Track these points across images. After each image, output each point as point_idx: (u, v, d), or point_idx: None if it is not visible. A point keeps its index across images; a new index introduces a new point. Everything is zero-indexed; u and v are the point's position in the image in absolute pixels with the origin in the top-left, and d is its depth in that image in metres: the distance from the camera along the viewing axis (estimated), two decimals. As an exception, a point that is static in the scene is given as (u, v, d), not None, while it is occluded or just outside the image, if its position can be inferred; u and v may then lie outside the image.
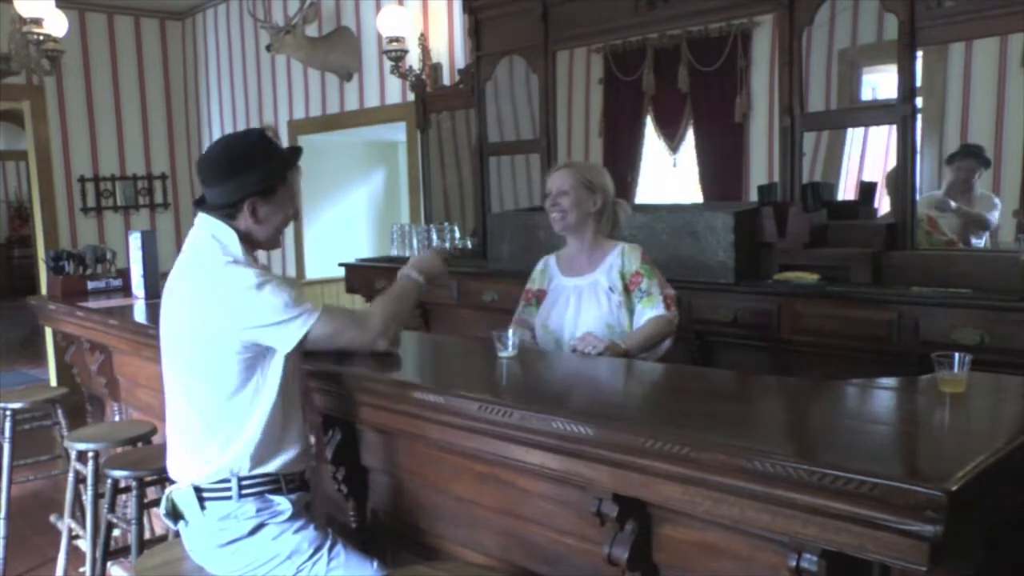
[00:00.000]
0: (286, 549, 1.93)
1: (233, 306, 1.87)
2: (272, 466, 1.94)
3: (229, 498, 1.91)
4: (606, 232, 2.68)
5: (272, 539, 1.93)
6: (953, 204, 3.16)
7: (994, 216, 3.11)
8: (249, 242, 2.00)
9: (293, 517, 1.95)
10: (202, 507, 1.92)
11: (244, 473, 1.91)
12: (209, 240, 1.97)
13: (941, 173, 3.22)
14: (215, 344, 1.89)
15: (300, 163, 2.12)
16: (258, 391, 1.92)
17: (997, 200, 3.11)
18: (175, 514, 1.98)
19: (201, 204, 2.02)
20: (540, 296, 2.70)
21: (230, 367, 1.90)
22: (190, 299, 1.95)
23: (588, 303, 2.57)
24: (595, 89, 4.30)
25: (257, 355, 1.91)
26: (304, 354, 2.03)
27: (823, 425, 1.66)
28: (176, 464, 2.02)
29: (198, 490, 1.92)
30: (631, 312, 2.54)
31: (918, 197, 3.14)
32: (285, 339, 1.90)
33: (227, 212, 1.97)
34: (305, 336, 1.91)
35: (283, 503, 1.95)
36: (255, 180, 1.94)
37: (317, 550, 1.94)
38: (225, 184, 1.95)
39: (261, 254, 2.14)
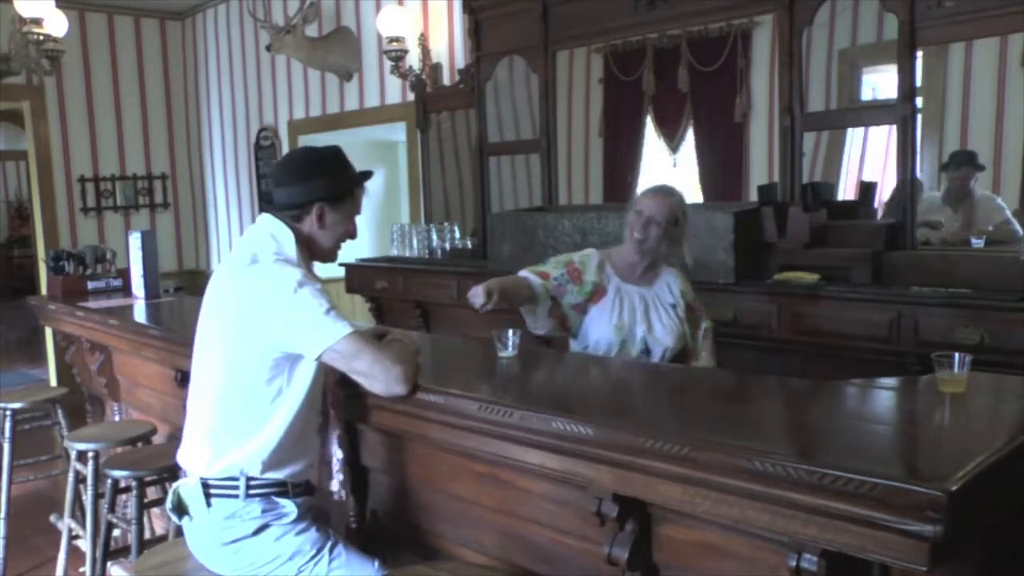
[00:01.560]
0: (288, 550, 1.93)
1: (270, 304, 1.88)
2: (282, 474, 1.95)
3: (236, 496, 1.91)
4: (667, 258, 2.69)
5: (275, 540, 1.94)
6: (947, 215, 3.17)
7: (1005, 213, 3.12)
8: (308, 248, 2.03)
9: (297, 520, 1.96)
10: (208, 503, 1.93)
11: (253, 475, 1.92)
12: (267, 237, 1.99)
13: (940, 175, 3.23)
14: (247, 339, 1.90)
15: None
16: (280, 393, 1.92)
17: (1000, 200, 3.11)
18: (180, 509, 1.99)
19: (268, 206, 2.06)
20: (599, 292, 2.62)
21: (257, 363, 1.90)
22: (234, 291, 1.96)
23: (659, 312, 2.63)
24: (595, 89, 4.30)
25: (286, 357, 1.91)
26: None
27: (823, 425, 1.66)
28: (187, 451, 2.03)
29: (205, 486, 1.93)
30: (692, 330, 2.68)
31: (936, 193, 3.15)
32: (311, 345, 1.87)
33: (294, 214, 2.01)
34: (331, 347, 1.85)
35: (288, 506, 1.95)
36: (328, 185, 2.01)
37: (319, 551, 1.95)
38: (298, 185, 2.00)
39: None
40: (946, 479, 1.19)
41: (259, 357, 1.90)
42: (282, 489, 1.95)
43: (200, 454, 1.97)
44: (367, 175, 2.10)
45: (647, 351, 2.58)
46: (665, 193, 2.63)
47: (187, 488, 1.97)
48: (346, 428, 2.27)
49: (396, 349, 1.97)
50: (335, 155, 2.07)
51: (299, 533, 1.95)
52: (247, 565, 1.93)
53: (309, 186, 2.00)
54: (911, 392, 1.80)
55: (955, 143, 3.22)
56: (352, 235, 2.11)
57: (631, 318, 2.59)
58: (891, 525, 1.20)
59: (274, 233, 2.00)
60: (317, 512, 2.08)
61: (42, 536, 4.07)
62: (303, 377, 1.94)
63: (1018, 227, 3.02)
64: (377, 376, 1.89)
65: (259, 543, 1.93)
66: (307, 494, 2.02)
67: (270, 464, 1.93)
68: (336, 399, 2.18)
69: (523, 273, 2.61)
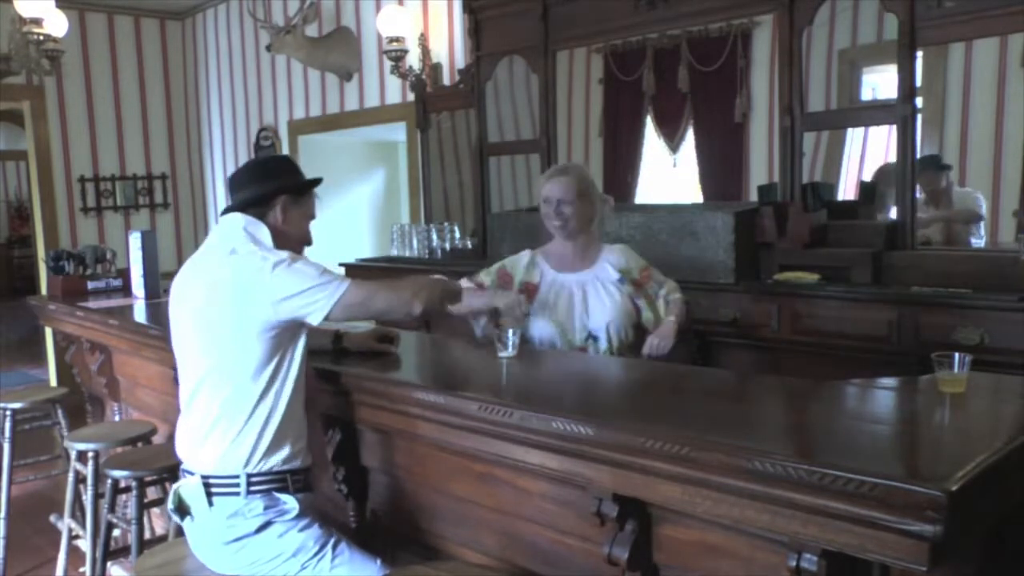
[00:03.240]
0: (291, 547, 1.94)
1: (265, 282, 1.90)
2: (280, 455, 1.95)
3: (237, 494, 1.92)
4: (599, 234, 2.77)
5: (278, 537, 1.94)
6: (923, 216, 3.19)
7: (980, 207, 3.15)
8: (277, 241, 2.05)
9: (299, 516, 1.97)
10: (210, 503, 1.93)
11: (254, 466, 1.92)
12: (239, 231, 2.02)
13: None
14: (243, 324, 1.91)
15: (302, 167, 2.24)
16: (277, 375, 1.95)
17: (979, 195, 3.14)
18: (181, 509, 1.99)
19: (230, 211, 2.10)
20: (531, 289, 2.67)
21: (256, 346, 1.91)
22: (217, 281, 1.97)
23: (599, 294, 2.63)
24: (595, 89, 4.30)
25: (283, 335, 1.94)
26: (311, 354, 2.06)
27: (823, 425, 1.66)
28: (188, 447, 2.02)
29: (207, 485, 1.93)
30: (648, 301, 2.67)
31: (918, 196, 3.15)
32: (317, 306, 1.90)
33: (258, 211, 2.06)
34: (338, 301, 1.90)
35: (290, 502, 1.96)
36: (287, 181, 2.12)
37: (322, 548, 1.96)
38: (260, 183, 2.09)
39: None
40: (946, 479, 1.19)
41: (256, 340, 1.91)
42: (282, 484, 1.95)
43: (202, 446, 1.97)
44: (317, 180, 2.21)
45: (592, 336, 2.60)
46: (561, 172, 2.69)
47: (188, 488, 1.97)
48: (345, 429, 2.27)
49: (406, 282, 2.13)
50: (287, 158, 2.22)
51: (302, 530, 1.96)
52: (250, 563, 1.94)
53: (270, 182, 2.09)
54: (911, 392, 1.80)
55: (955, 143, 3.22)
56: (308, 240, 2.18)
57: (567, 308, 2.62)
58: (891, 525, 1.20)
59: (247, 227, 2.03)
60: (318, 511, 2.09)
61: (42, 536, 4.07)
62: (298, 355, 1.98)
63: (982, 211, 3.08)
64: (394, 304, 2.05)
65: (262, 540, 1.93)
66: (307, 490, 2.03)
67: (271, 448, 1.94)
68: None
69: (463, 282, 2.65)
